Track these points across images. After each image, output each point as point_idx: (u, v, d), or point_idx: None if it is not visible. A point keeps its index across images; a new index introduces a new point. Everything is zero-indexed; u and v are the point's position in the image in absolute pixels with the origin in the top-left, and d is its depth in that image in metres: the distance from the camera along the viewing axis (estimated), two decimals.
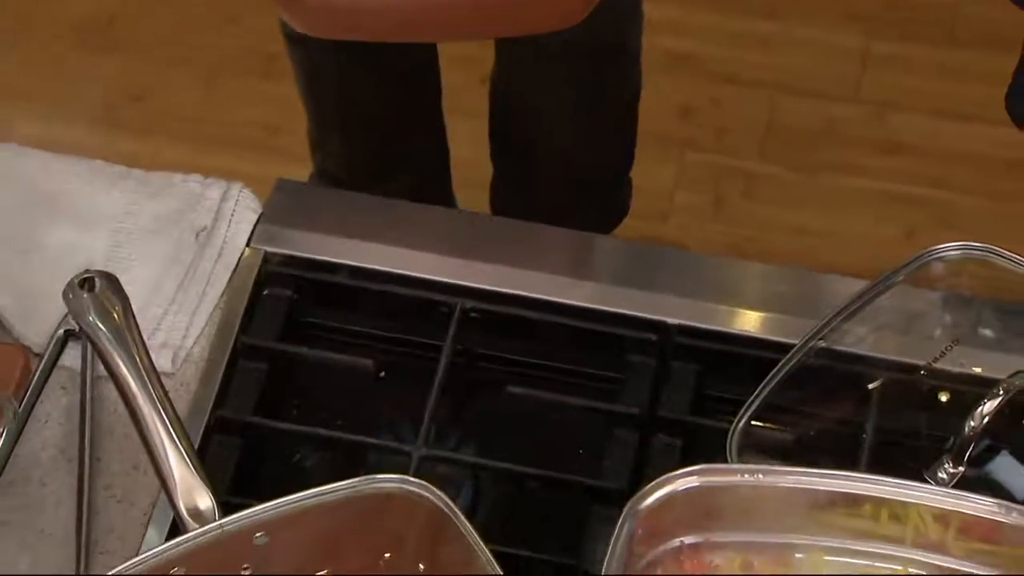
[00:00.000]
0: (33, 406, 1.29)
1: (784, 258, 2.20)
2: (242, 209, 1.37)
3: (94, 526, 1.23)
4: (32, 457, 1.27)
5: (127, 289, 1.20)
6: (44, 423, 1.29)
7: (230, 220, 1.39)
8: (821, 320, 1.25)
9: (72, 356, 1.31)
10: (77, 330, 1.26)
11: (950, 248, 1.26)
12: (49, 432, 1.28)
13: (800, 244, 2.28)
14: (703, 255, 1.38)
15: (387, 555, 1.12)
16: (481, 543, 1.05)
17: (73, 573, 1.20)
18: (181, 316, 1.33)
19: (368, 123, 1.79)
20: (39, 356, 1.31)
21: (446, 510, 1.06)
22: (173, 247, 1.36)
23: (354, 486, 1.08)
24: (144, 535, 1.21)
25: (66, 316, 1.32)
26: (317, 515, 1.08)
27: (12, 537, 1.23)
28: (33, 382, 1.29)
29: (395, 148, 1.79)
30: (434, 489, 1.07)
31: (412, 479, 1.07)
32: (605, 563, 1.04)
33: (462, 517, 1.06)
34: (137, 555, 1.13)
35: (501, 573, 1.03)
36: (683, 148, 2.38)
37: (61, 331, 1.31)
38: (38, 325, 1.32)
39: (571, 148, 1.71)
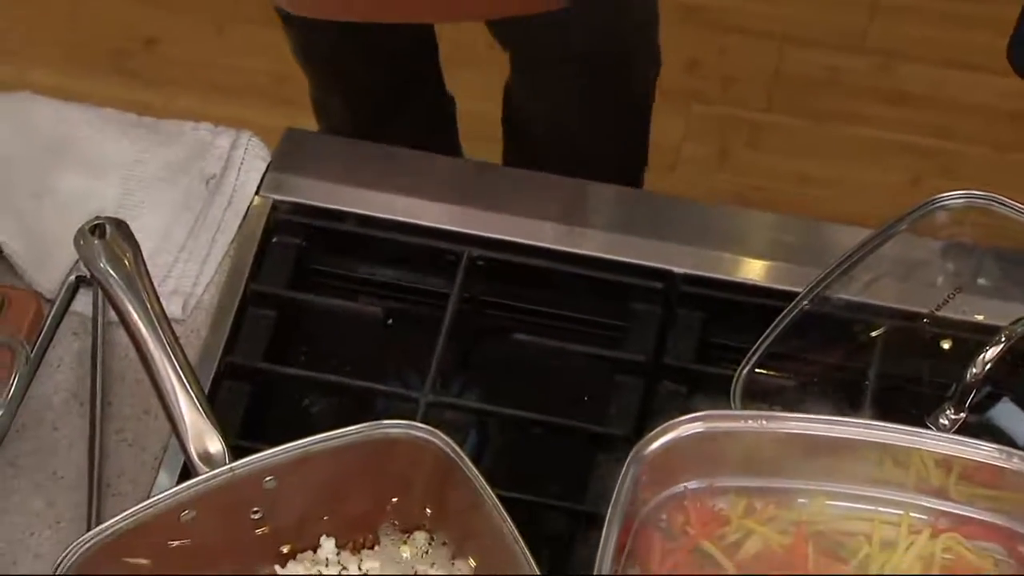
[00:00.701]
0: (45, 351, 1.29)
1: (789, 207, 2.19)
2: (251, 157, 1.36)
3: (105, 469, 1.23)
4: (44, 401, 1.27)
5: (138, 236, 1.19)
6: (56, 368, 1.29)
7: (239, 168, 1.38)
8: (825, 268, 1.25)
9: (83, 302, 1.31)
10: (88, 276, 1.26)
11: (953, 197, 1.26)
12: (61, 377, 1.29)
13: (805, 193, 2.28)
14: (709, 204, 1.37)
15: (394, 499, 1.13)
16: (487, 487, 1.05)
17: (85, 514, 1.20)
18: (191, 263, 1.33)
19: (365, 92, 1.78)
20: (51, 302, 1.31)
21: (452, 455, 1.07)
22: (183, 195, 1.36)
23: (361, 431, 1.08)
24: (155, 478, 1.21)
25: (77, 262, 1.32)
26: (325, 460, 1.08)
27: (25, 479, 1.24)
28: (45, 327, 1.29)
29: (396, 110, 1.79)
30: (440, 434, 1.07)
31: (419, 424, 1.08)
32: (610, 507, 1.05)
33: (468, 462, 1.06)
34: (148, 498, 1.14)
35: (507, 517, 1.04)
36: (689, 100, 2.37)
37: (72, 277, 1.31)
38: (50, 271, 1.32)
39: (587, 151, 1.70)
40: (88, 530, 1.19)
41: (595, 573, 1.02)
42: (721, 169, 2.33)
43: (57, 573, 1.03)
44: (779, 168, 2.32)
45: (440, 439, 1.07)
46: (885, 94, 2.37)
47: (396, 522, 1.14)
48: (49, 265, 1.32)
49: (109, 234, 1.13)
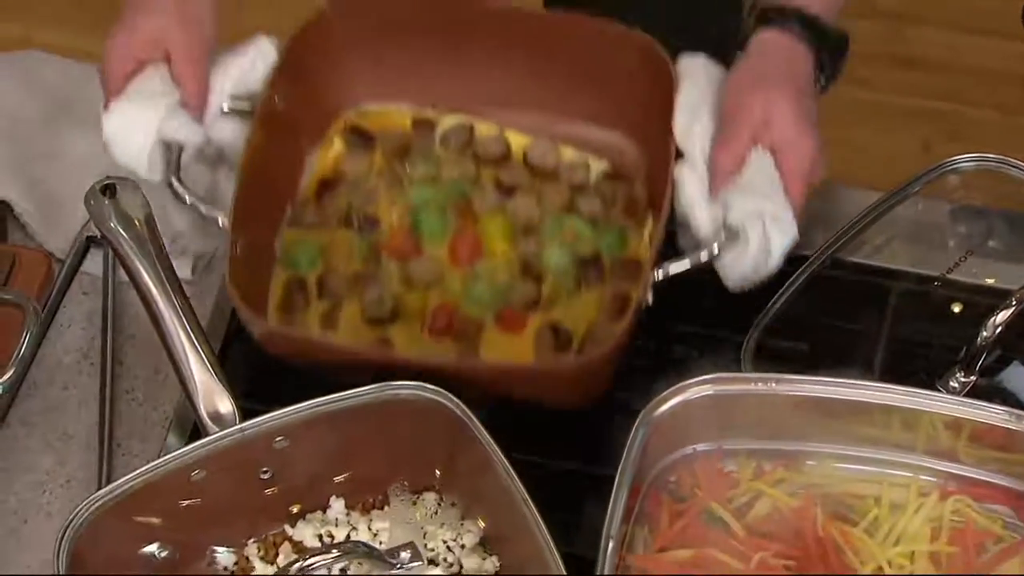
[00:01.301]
0: (56, 311, 1.29)
1: None
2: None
3: (116, 428, 1.24)
4: (55, 360, 1.28)
5: (147, 196, 1.19)
6: (67, 327, 1.29)
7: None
8: (835, 232, 1.25)
9: (94, 262, 1.31)
10: (99, 236, 1.25)
11: (964, 160, 1.25)
12: (71, 336, 1.29)
13: None
14: None
15: (404, 460, 1.13)
16: (497, 450, 1.05)
17: (96, 474, 1.21)
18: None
19: None
20: (61, 262, 1.31)
21: (462, 416, 1.07)
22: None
23: (371, 392, 1.08)
24: (165, 438, 1.21)
25: (88, 222, 1.31)
26: (334, 420, 1.08)
27: (36, 438, 1.24)
28: (56, 287, 1.29)
29: None
30: (451, 396, 1.07)
31: (429, 386, 1.08)
32: (620, 468, 1.05)
33: (478, 423, 1.06)
34: (159, 457, 1.14)
35: (517, 479, 1.04)
36: None
37: (83, 237, 1.31)
38: (60, 231, 1.32)
39: None
40: (98, 489, 1.20)
41: (604, 534, 1.02)
42: None
43: (67, 530, 1.03)
44: None
45: (450, 400, 1.07)
46: (895, 58, 2.36)
47: (406, 483, 1.14)
48: (60, 225, 1.32)
49: (120, 194, 1.12)
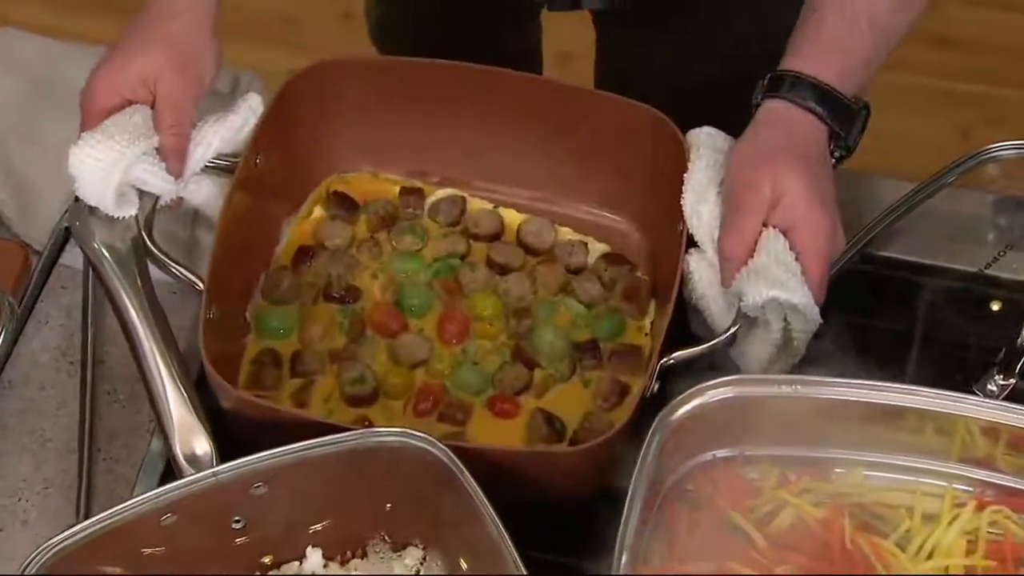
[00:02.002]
0: (33, 305, 1.29)
1: None
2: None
3: (97, 432, 1.23)
4: (31, 358, 1.27)
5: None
6: (44, 323, 1.29)
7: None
8: (866, 224, 1.24)
9: (73, 254, 1.31)
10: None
11: (1005, 147, 1.25)
12: (49, 333, 1.29)
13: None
14: None
15: (386, 511, 1.11)
16: (487, 503, 1.03)
17: (76, 479, 1.20)
18: (185, 217, 1.32)
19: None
20: (38, 254, 1.31)
21: (450, 466, 1.05)
22: None
23: (355, 438, 1.07)
24: (149, 443, 1.21)
25: (67, 212, 1.31)
26: (315, 466, 1.07)
27: (11, 441, 1.23)
28: (32, 280, 1.29)
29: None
30: (438, 443, 1.06)
31: (416, 433, 1.06)
32: (633, 476, 1.04)
33: (467, 474, 1.04)
34: (141, 466, 1.14)
35: (506, 535, 1.02)
36: None
37: (62, 227, 1.31)
38: (38, 221, 1.32)
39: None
40: (78, 498, 1.20)
41: (618, 545, 1.01)
42: None
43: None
44: None
45: (437, 447, 1.06)
46: (930, 37, 2.35)
47: (387, 535, 1.13)
48: (37, 214, 1.32)
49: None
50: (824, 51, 1.15)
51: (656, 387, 1.12)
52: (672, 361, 1.12)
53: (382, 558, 1.12)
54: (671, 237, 1.18)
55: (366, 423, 1.18)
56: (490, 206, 1.30)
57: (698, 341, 1.14)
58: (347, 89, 1.27)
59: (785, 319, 1.12)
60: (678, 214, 1.17)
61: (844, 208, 1.25)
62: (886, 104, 2.26)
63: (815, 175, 1.13)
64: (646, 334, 1.23)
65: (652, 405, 1.10)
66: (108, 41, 1.40)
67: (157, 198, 1.19)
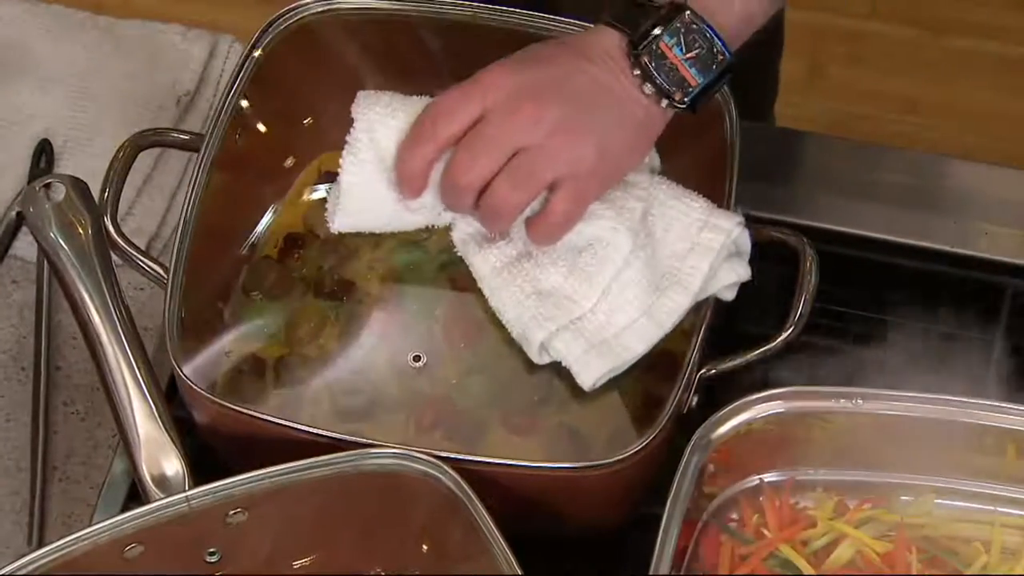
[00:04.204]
0: None
1: (894, 139, 2.18)
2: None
3: (52, 448, 1.24)
4: None
5: (90, 164, 1.19)
6: None
7: (218, 83, 1.39)
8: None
9: (26, 244, 1.32)
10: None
11: None
12: None
13: (914, 121, 2.27)
14: (798, 131, 1.37)
15: (383, 544, 1.11)
16: (500, 539, 1.03)
17: (28, 502, 1.21)
18: (157, 199, 1.34)
19: None
20: None
21: (457, 492, 1.05)
22: (149, 114, 1.36)
23: (348, 460, 1.07)
24: (111, 462, 1.21)
25: (19, 195, 1.32)
26: (303, 492, 1.07)
27: None
28: None
29: None
30: (443, 466, 1.06)
31: (419, 454, 1.06)
32: (668, 502, 1.04)
33: (477, 501, 1.04)
34: (103, 486, 1.14)
35: (516, 568, 1.02)
36: None
37: (13, 213, 1.32)
38: None
39: None
40: (30, 524, 1.21)
41: None
42: (812, 90, 2.32)
43: None
44: (883, 90, 2.30)
45: (443, 472, 1.05)
46: None
47: (381, 570, 1.13)
48: None
49: (64, 196, 1.12)
50: None
51: (694, 401, 1.12)
52: (713, 372, 1.12)
53: None
54: None
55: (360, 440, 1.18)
56: None
57: (746, 348, 1.14)
58: (340, 47, 1.27)
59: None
60: (721, 200, 1.18)
61: (913, 195, 1.27)
62: (963, 74, 2.29)
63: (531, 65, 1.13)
64: (684, 338, 1.22)
65: (692, 420, 1.10)
66: (65, 2, 1.41)
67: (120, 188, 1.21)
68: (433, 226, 1.25)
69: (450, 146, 1.13)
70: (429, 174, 1.15)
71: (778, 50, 1.72)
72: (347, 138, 1.19)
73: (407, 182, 1.16)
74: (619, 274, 1.16)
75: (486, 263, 1.20)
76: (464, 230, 1.21)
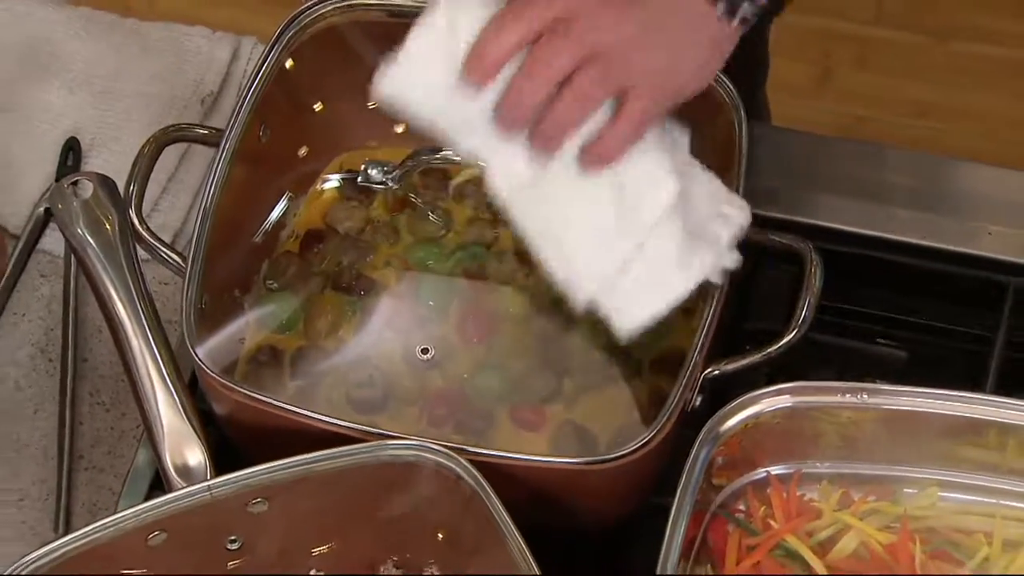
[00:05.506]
0: (8, 296, 1.30)
1: (902, 141, 2.18)
2: None
3: (78, 437, 1.24)
4: (7, 355, 1.29)
5: (117, 161, 1.19)
6: (21, 316, 1.30)
7: (240, 84, 1.38)
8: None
9: (54, 239, 1.32)
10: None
11: None
12: (27, 327, 1.30)
13: (921, 125, 2.27)
14: (804, 133, 1.36)
15: (399, 534, 1.11)
16: (515, 531, 1.03)
17: (54, 490, 1.21)
18: (183, 195, 1.34)
19: None
20: (15, 237, 1.32)
21: (473, 484, 1.05)
22: (175, 113, 1.36)
23: (367, 451, 1.07)
24: (136, 451, 1.21)
25: (48, 191, 1.32)
26: (323, 482, 1.07)
27: None
28: (9, 267, 1.30)
29: None
30: (459, 458, 1.06)
31: (436, 445, 1.06)
32: (677, 495, 1.04)
33: (492, 494, 1.04)
34: (127, 475, 1.14)
35: (530, 558, 1.01)
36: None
37: (41, 209, 1.32)
38: (15, 201, 1.33)
39: None
40: (57, 511, 1.21)
41: (659, 572, 1.02)
42: (820, 94, 2.32)
43: None
44: (890, 94, 2.30)
45: (459, 464, 1.05)
46: (1017, 4, 2.35)
47: (397, 559, 1.13)
48: (14, 193, 1.33)
49: (91, 193, 1.12)
50: None
51: (699, 400, 1.12)
52: (717, 372, 1.12)
53: None
54: None
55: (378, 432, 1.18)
56: None
57: (751, 348, 1.13)
58: (358, 46, 1.25)
59: None
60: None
61: (919, 196, 1.27)
62: (970, 79, 2.29)
63: None
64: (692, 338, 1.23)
65: (699, 415, 1.10)
66: (94, 4, 1.41)
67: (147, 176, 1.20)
68: (450, 225, 1.25)
69: (528, 43, 1.07)
70: (503, 63, 1.07)
71: (763, 73, 1.71)
72: (423, 13, 1.10)
73: (479, 66, 1.07)
74: (661, 220, 1.11)
75: (526, 200, 1.13)
76: (503, 167, 1.12)
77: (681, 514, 1.04)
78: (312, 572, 1.12)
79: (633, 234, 1.10)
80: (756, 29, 1.14)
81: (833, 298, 1.18)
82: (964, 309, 1.24)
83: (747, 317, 1.25)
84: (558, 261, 1.11)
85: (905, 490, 1.11)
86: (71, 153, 1.34)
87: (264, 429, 1.12)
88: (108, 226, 1.11)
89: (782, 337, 1.11)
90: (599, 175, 1.09)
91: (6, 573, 1.01)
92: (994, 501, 1.10)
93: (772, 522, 1.10)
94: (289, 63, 1.24)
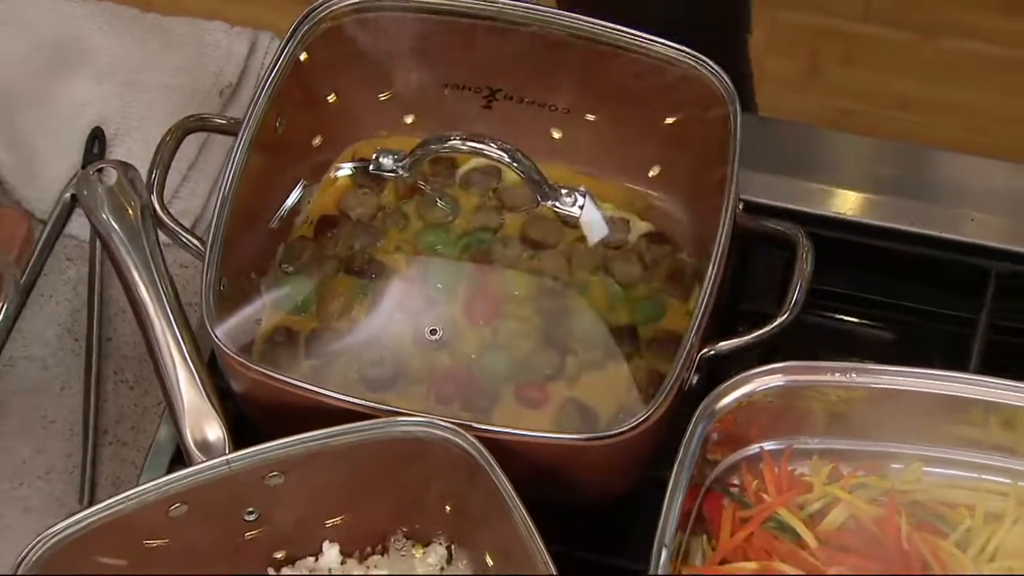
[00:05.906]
0: (36, 278, 1.31)
1: (887, 134, 2.16)
2: None
3: (103, 414, 1.26)
4: (35, 335, 1.30)
5: (140, 150, 1.19)
6: (48, 298, 1.31)
7: (258, 76, 1.40)
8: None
9: (79, 224, 1.33)
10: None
11: None
12: (54, 308, 1.31)
13: (907, 118, 2.26)
14: (794, 123, 1.38)
15: (409, 505, 1.13)
16: (519, 502, 1.04)
17: (80, 464, 1.23)
18: (202, 183, 1.36)
19: None
20: (43, 223, 1.33)
21: (479, 459, 1.06)
22: (195, 104, 1.38)
23: (379, 427, 1.08)
24: (158, 427, 1.23)
25: (73, 178, 1.33)
26: (337, 456, 1.08)
27: (13, 422, 1.26)
28: (36, 251, 1.31)
29: None
30: (466, 434, 1.07)
31: (443, 422, 1.08)
32: (674, 469, 1.06)
33: (497, 467, 1.06)
34: (149, 451, 1.16)
35: (537, 536, 1.03)
36: (775, 6, 2.34)
37: (68, 195, 1.33)
38: (42, 187, 1.34)
39: None
40: (82, 484, 1.23)
41: (657, 542, 1.03)
42: (809, 88, 2.32)
43: (18, 573, 1.02)
44: (877, 89, 2.30)
45: (465, 439, 1.07)
46: (1003, 2, 2.34)
47: (410, 531, 1.14)
48: (41, 180, 1.34)
49: (115, 180, 1.13)
50: None
51: (695, 380, 1.13)
52: (713, 352, 1.13)
53: (404, 555, 1.14)
54: (716, 210, 1.17)
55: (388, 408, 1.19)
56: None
57: (745, 329, 1.14)
58: (372, 39, 1.28)
59: None
60: (724, 187, 1.17)
61: (904, 185, 1.28)
62: (954, 74, 2.26)
63: None
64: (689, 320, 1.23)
65: (695, 394, 1.11)
66: (119, 0, 1.41)
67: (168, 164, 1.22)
68: (457, 212, 1.28)
69: None
70: None
71: (746, 26, 1.70)
72: None
73: None
74: None
75: None
76: None
77: (678, 488, 1.05)
78: (326, 542, 1.14)
79: None
80: None
81: (824, 282, 1.19)
82: (948, 292, 1.25)
83: (741, 300, 1.27)
84: None
85: (892, 465, 1.12)
86: (96, 142, 1.35)
87: (280, 406, 1.13)
88: (131, 212, 1.13)
89: (775, 319, 1.13)
90: None
91: (32, 543, 1.03)
92: (976, 476, 1.11)
93: (765, 495, 1.11)
94: (304, 57, 1.25)
